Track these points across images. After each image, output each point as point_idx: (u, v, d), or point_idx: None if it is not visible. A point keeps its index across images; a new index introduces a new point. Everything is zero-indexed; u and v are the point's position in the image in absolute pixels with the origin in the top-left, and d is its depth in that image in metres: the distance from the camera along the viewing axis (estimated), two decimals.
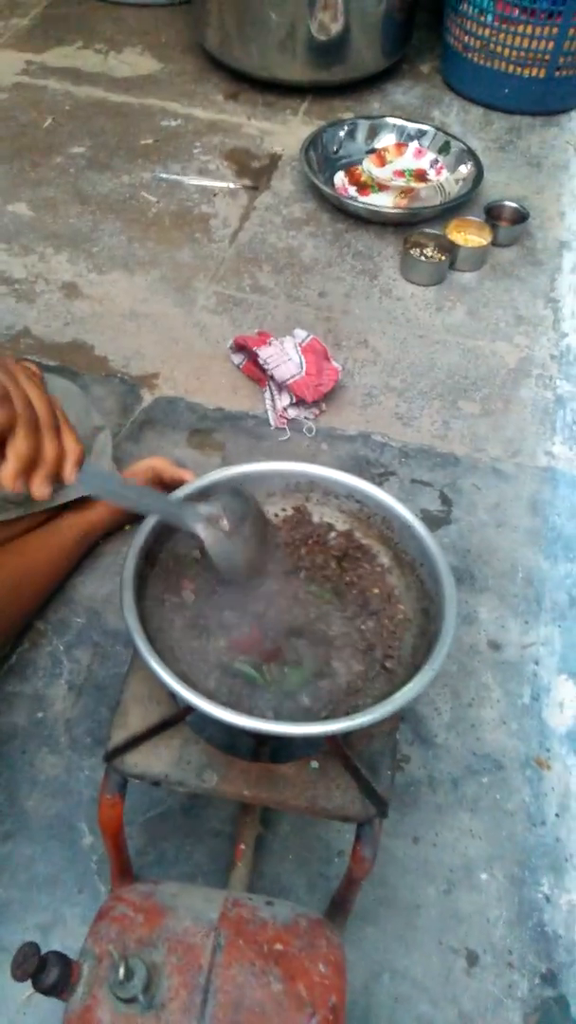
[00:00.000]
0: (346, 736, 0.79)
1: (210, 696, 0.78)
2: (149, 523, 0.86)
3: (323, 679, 0.81)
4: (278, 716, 0.78)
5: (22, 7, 2.68)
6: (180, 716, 0.81)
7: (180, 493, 0.89)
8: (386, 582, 0.89)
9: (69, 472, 0.68)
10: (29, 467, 0.65)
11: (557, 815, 1.10)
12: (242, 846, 0.97)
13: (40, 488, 0.66)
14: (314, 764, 0.82)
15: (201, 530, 0.80)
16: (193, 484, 0.91)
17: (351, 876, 0.85)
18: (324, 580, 0.90)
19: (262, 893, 0.99)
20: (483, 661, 1.25)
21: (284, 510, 0.96)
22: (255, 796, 0.81)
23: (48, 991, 0.70)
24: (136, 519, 1.31)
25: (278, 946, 0.74)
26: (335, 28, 2.21)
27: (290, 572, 0.90)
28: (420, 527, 0.88)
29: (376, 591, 0.89)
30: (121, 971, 0.68)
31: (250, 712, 0.79)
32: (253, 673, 0.80)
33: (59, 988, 0.70)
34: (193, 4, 2.38)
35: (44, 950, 0.70)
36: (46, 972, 0.69)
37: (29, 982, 0.68)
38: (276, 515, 0.95)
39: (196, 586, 0.89)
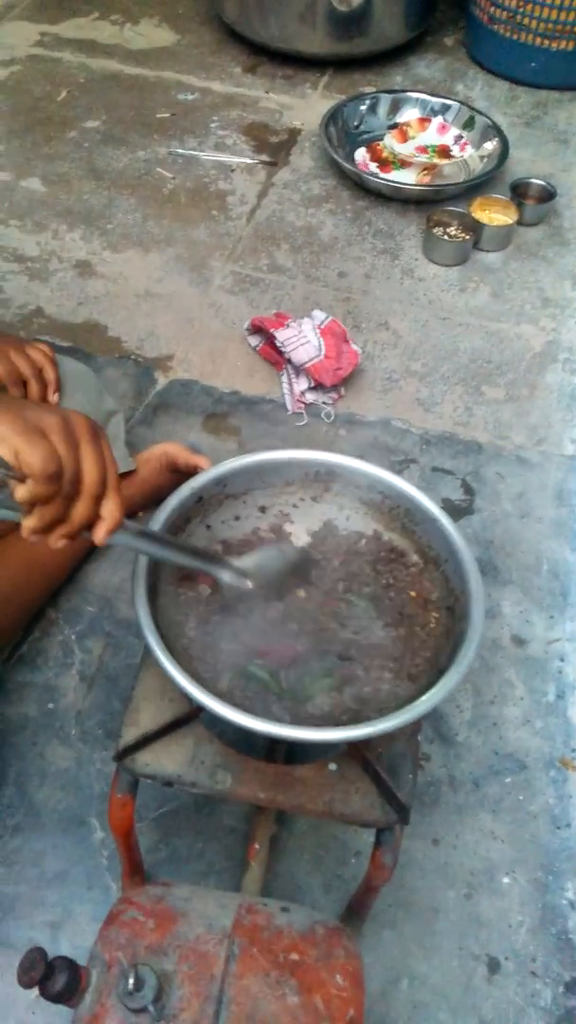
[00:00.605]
0: (366, 740, 0.76)
1: (224, 696, 0.75)
2: (162, 514, 0.82)
3: (344, 688, 0.77)
4: (295, 719, 0.74)
5: None
6: (193, 715, 0.78)
7: (197, 481, 0.86)
8: (423, 585, 0.85)
9: (100, 536, 0.66)
10: (51, 527, 0.64)
11: None
12: (256, 845, 0.94)
13: (55, 543, 0.65)
14: (332, 766, 0.79)
15: (225, 580, 0.79)
16: (208, 473, 0.88)
17: (370, 883, 0.82)
18: (361, 586, 0.86)
19: (276, 894, 0.96)
20: (506, 657, 1.21)
21: (303, 500, 0.92)
22: (271, 799, 0.78)
23: (55, 998, 0.67)
24: (150, 506, 1.28)
25: (294, 956, 0.72)
26: None
27: (322, 584, 0.86)
28: (446, 521, 0.84)
29: (413, 594, 0.85)
30: (131, 980, 0.65)
31: (266, 714, 0.76)
32: (266, 678, 0.77)
33: (66, 995, 0.67)
34: None
35: (53, 948, 0.68)
36: (53, 979, 0.67)
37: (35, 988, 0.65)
38: (295, 506, 0.91)
39: (213, 582, 0.86)
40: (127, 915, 0.73)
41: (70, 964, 0.68)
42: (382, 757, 0.78)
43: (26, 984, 0.66)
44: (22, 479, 0.60)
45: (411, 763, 0.79)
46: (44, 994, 0.67)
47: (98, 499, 0.65)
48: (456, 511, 1.37)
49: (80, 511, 0.64)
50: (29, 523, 0.62)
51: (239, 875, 0.94)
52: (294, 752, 0.88)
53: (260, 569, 0.82)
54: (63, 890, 0.99)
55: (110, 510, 0.65)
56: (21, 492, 0.60)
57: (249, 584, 0.80)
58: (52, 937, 0.95)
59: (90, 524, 0.65)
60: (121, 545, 0.71)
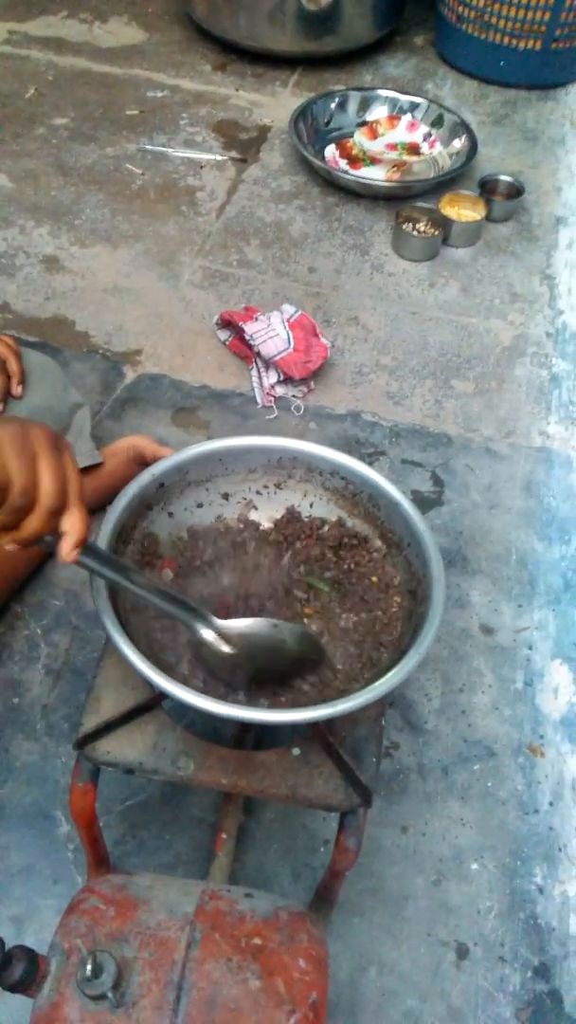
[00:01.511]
0: (329, 723, 0.76)
1: (186, 682, 0.74)
2: (122, 500, 0.82)
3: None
4: (257, 703, 0.74)
5: None
6: (154, 702, 0.77)
7: (158, 467, 0.85)
8: (384, 570, 0.85)
9: (65, 551, 0.64)
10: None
11: (551, 803, 1.07)
12: (223, 835, 0.94)
13: (3, 546, 0.64)
14: (296, 751, 0.78)
15: (203, 637, 0.74)
16: (170, 460, 0.87)
17: (335, 867, 0.81)
18: (322, 571, 0.86)
19: (245, 883, 0.96)
20: (475, 645, 1.21)
21: (266, 487, 0.91)
22: (234, 784, 0.77)
23: (13, 988, 0.66)
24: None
25: (256, 940, 0.71)
26: None
27: (284, 570, 0.86)
28: (407, 505, 0.84)
29: (375, 579, 0.84)
30: (89, 967, 0.64)
31: (228, 699, 0.75)
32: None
33: (25, 984, 0.66)
34: None
35: (18, 943, 0.66)
36: (11, 968, 0.66)
37: None
38: (258, 493, 0.91)
39: (178, 566, 0.85)
40: (87, 904, 0.72)
41: (28, 953, 0.67)
42: (345, 741, 0.78)
43: None
44: None
45: (374, 747, 0.79)
46: (1, 984, 0.66)
47: (55, 513, 0.63)
48: (426, 503, 1.37)
49: (32, 523, 0.62)
50: None
51: (207, 866, 0.93)
52: (262, 737, 0.88)
53: (245, 640, 0.75)
54: (28, 884, 0.98)
55: (72, 523, 0.64)
56: None
57: (226, 650, 0.74)
58: (17, 931, 0.94)
59: (47, 536, 0.64)
60: (92, 570, 0.68)
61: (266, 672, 0.77)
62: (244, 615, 0.81)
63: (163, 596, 0.71)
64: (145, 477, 0.84)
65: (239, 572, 0.86)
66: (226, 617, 0.76)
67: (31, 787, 1.04)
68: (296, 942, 0.71)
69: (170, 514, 0.87)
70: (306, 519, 0.89)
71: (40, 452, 0.62)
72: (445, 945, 0.96)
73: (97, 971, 0.64)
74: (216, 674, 0.76)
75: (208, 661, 0.75)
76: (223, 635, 0.74)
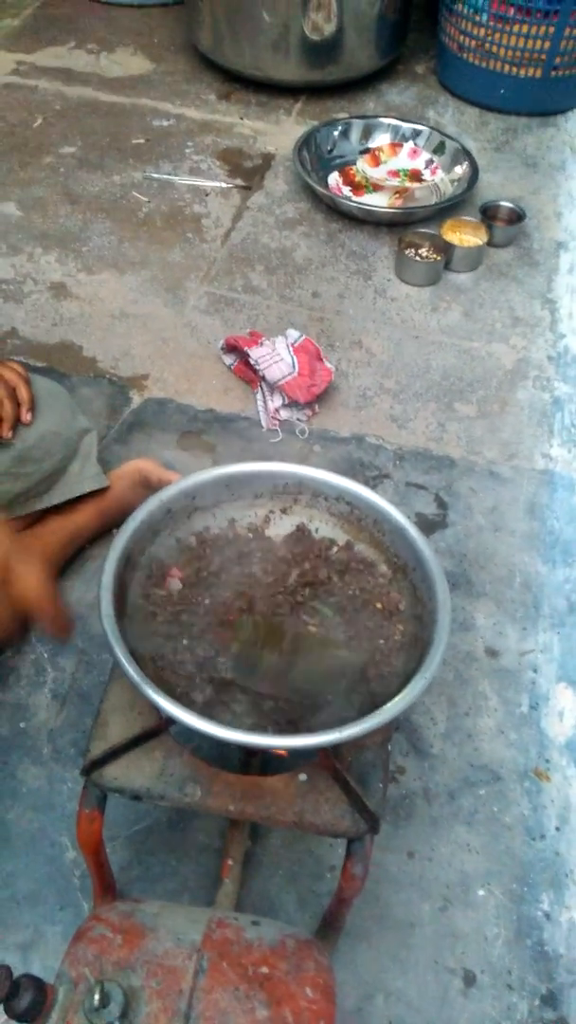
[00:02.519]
0: (336, 748, 0.76)
1: (194, 707, 0.75)
2: (130, 526, 0.83)
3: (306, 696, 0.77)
4: (263, 728, 0.74)
5: (13, 7, 2.65)
6: (162, 727, 0.78)
7: (166, 493, 0.86)
8: (390, 596, 0.85)
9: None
10: None
11: (557, 828, 1.07)
12: (230, 862, 0.94)
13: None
14: (303, 777, 0.78)
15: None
16: (178, 485, 0.88)
17: (341, 895, 0.81)
18: (327, 595, 0.86)
19: (250, 910, 0.95)
20: (480, 669, 1.21)
21: (272, 512, 0.92)
22: (241, 811, 0.77)
23: (20, 1017, 0.66)
24: (123, 523, 1.28)
25: (264, 969, 0.71)
26: (328, 28, 2.18)
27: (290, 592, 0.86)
28: (412, 530, 0.85)
29: (380, 605, 0.85)
30: (96, 997, 0.64)
31: (235, 724, 0.76)
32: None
33: (32, 1014, 0.66)
34: (186, 4, 2.36)
35: (24, 970, 0.66)
36: (19, 997, 0.66)
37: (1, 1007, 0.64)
38: (265, 519, 0.92)
39: (185, 575, 0.86)
40: (95, 932, 0.72)
41: (36, 982, 0.67)
42: (352, 766, 0.78)
43: None
44: None
45: (381, 772, 0.79)
46: (9, 1013, 0.65)
47: None
48: (430, 525, 1.38)
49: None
50: None
51: (213, 892, 0.93)
52: (268, 762, 0.88)
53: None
54: (34, 911, 0.98)
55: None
56: None
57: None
58: (23, 958, 0.94)
59: None
60: None
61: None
62: (248, 633, 0.82)
63: None
64: (153, 503, 0.85)
65: (246, 587, 0.86)
66: (229, 632, 0.77)
67: (37, 812, 1.04)
68: (303, 971, 0.71)
69: (177, 539, 0.88)
70: (316, 537, 0.90)
71: None
72: (452, 972, 0.96)
73: (104, 1001, 0.64)
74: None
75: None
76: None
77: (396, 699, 0.70)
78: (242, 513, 0.92)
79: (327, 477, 0.90)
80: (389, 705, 0.70)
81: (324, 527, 0.91)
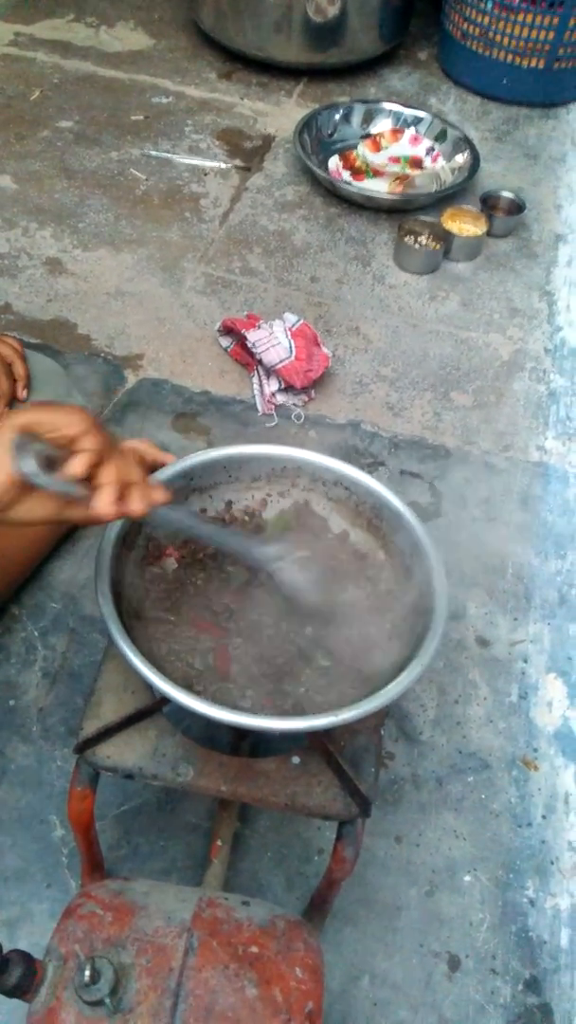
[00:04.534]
0: (329, 732, 0.76)
1: (189, 686, 0.74)
2: None
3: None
4: (258, 710, 0.74)
5: None
6: (155, 707, 0.78)
7: (163, 474, 0.86)
8: (388, 580, 0.85)
9: (160, 495, 0.67)
10: (124, 491, 0.64)
11: (543, 816, 1.08)
12: (218, 842, 0.94)
13: (138, 505, 0.65)
14: (295, 759, 0.79)
15: (276, 566, 0.79)
16: (175, 466, 0.87)
17: (331, 876, 0.82)
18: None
19: (238, 891, 0.95)
20: (470, 657, 1.22)
21: (270, 496, 0.92)
22: (233, 792, 0.77)
23: (10, 992, 0.66)
24: None
25: (253, 948, 0.71)
26: (332, 10, 2.16)
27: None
28: (411, 516, 0.85)
29: (378, 589, 0.85)
30: (87, 973, 0.64)
31: (232, 704, 0.75)
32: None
33: (22, 989, 0.66)
34: None
35: (10, 946, 0.66)
36: (8, 972, 0.65)
37: None
38: (262, 501, 0.91)
39: (181, 556, 0.85)
40: (85, 909, 0.72)
41: (25, 957, 0.67)
42: (345, 750, 0.78)
43: None
44: (67, 453, 0.61)
45: (374, 757, 0.79)
46: None
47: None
48: (423, 514, 1.38)
49: (134, 468, 0.64)
50: (105, 497, 0.62)
51: (201, 873, 0.93)
52: (258, 744, 0.88)
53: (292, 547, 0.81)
54: (21, 888, 0.97)
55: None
56: (81, 462, 0.60)
57: (294, 561, 0.79)
58: (9, 935, 0.94)
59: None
60: (166, 525, 0.74)
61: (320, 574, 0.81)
62: (246, 616, 0.82)
63: (229, 538, 0.80)
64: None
65: (240, 572, 0.86)
66: (220, 622, 0.77)
67: (26, 790, 1.04)
68: (293, 951, 0.71)
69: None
70: (310, 527, 0.89)
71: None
72: (437, 956, 0.96)
73: (95, 977, 0.64)
74: (297, 587, 0.79)
75: (289, 585, 0.79)
76: (284, 552, 0.79)
77: (392, 684, 0.70)
78: (239, 495, 0.91)
79: (326, 461, 0.90)
80: (385, 690, 0.70)
81: (321, 511, 0.91)
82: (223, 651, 0.80)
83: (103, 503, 0.62)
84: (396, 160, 2.02)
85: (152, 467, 1.24)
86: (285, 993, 0.69)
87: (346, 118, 2.12)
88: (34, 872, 0.99)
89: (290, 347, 1.48)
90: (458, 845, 1.04)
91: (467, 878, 1.02)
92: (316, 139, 2.05)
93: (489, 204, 1.93)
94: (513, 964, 0.96)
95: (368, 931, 0.97)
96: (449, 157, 2.04)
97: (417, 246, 1.80)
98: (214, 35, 2.32)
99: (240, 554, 0.81)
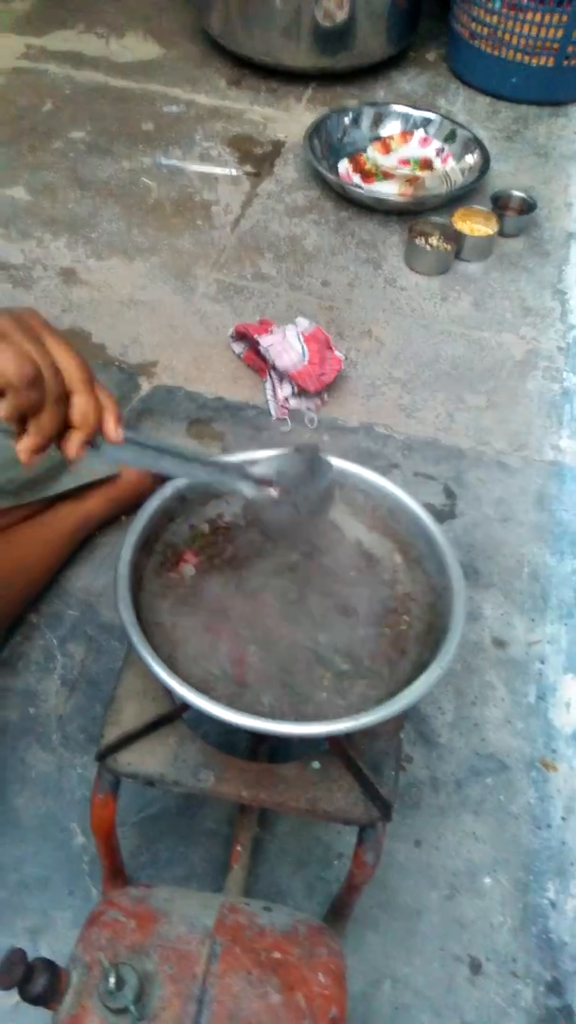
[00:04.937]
0: (349, 736, 0.76)
1: (208, 692, 0.75)
2: (146, 512, 0.83)
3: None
4: (278, 715, 0.75)
5: None
6: (176, 713, 0.78)
7: (178, 481, 0.86)
8: (405, 583, 0.85)
9: (112, 428, 0.60)
10: (47, 444, 0.58)
11: (563, 818, 1.07)
12: (239, 848, 0.94)
13: (75, 449, 0.60)
14: (315, 764, 0.79)
15: (247, 492, 0.75)
16: None
17: (352, 881, 0.82)
18: (343, 585, 0.86)
19: (259, 897, 0.96)
20: (487, 659, 1.21)
21: None
22: (253, 797, 0.78)
23: (35, 1000, 0.66)
24: (133, 509, 1.28)
25: (276, 954, 0.71)
26: (340, 15, 2.17)
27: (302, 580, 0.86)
28: (427, 518, 0.85)
29: (395, 592, 0.85)
30: (112, 980, 0.64)
31: (250, 710, 0.76)
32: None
33: (47, 997, 0.67)
34: None
35: (33, 955, 0.67)
36: (33, 980, 0.66)
37: (15, 990, 0.65)
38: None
39: (199, 561, 0.86)
40: (108, 916, 0.72)
41: (50, 965, 0.67)
42: (364, 754, 0.78)
43: (5, 985, 0.65)
44: None
45: (394, 760, 0.79)
46: (24, 996, 0.66)
47: (91, 389, 0.58)
48: (438, 515, 1.38)
49: (82, 405, 0.57)
50: (28, 442, 0.56)
51: (221, 879, 0.94)
52: (277, 749, 0.88)
53: (281, 476, 0.75)
54: (43, 896, 0.98)
55: (106, 401, 0.60)
56: (3, 408, 0.54)
57: (274, 492, 0.73)
58: (32, 943, 0.94)
59: (99, 421, 0.59)
60: (127, 459, 0.65)
61: (307, 491, 0.77)
62: (263, 623, 0.82)
63: (204, 464, 0.72)
64: (168, 490, 0.85)
65: (258, 576, 0.86)
66: (237, 628, 0.77)
67: (47, 798, 1.05)
68: (315, 956, 0.72)
69: (191, 526, 0.88)
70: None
71: (43, 332, 0.57)
72: (458, 960, 0.96)
73: (120, 984, 0.64)
74: (269, 526, 0.77)
75: (261, 515, 0.77)
76: (265, 481, 0.74)
77: (411, 687, 0.70)
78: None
79: (342, 465, 0.90)
80: (404, 693, 0.70)
81: (336, 515, 0.91)
82: (241, 657, 0.81)
83: (21, 447, 0.57)
84: (406, 162, 2.02)
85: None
86: (308, 999, 0.69)
87: (355, 122, 2.12)
88: (56, 880, 0.99)
89: (303, 351, 1.49)
90: (478, 848, 1.04)
91: (487, 881, 1.02)
92: (326, 143, 2.06)
93: (500, 204, 1.92)
94: (534, 967, 0.96)
95: (389, 935, 0.97)
96: (459, 158, 2.04)
97: (428, 247, 1.80)
98: (223, 42, 2.33)
99: (215, 484, 0.76)
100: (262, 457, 0.79)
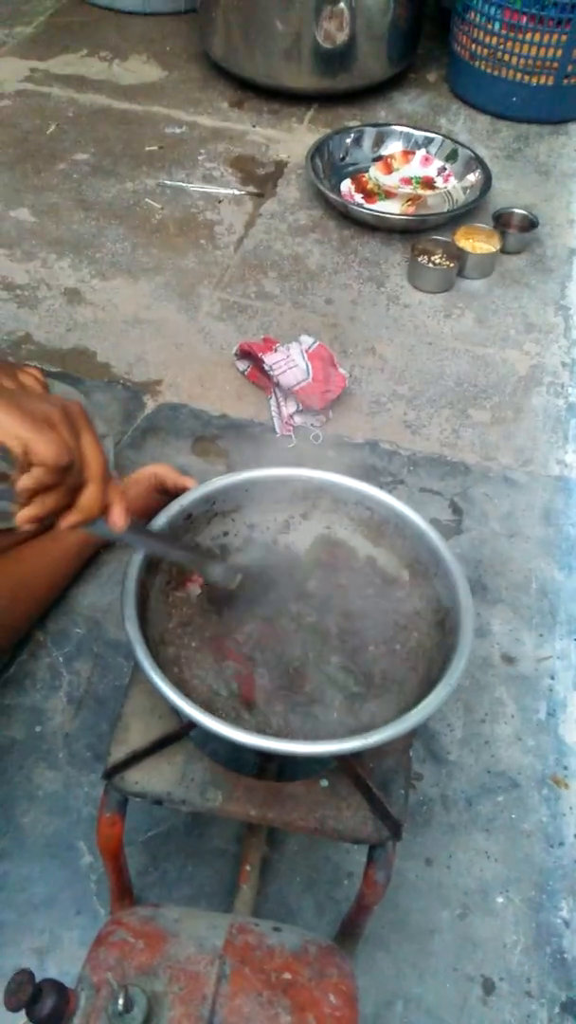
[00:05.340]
0: (358, 754, 0.76)
1: (214, 711, 0.75)
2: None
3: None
4: (285, 733, 0.74)
5: (26, 15, 2.67)
6: (183, 732, 0.78)
7: (186, 498, 0.86)
8: (412, 600, 0.85)
9: (119, 519, 0.67)
10: (49, 516, 0.64)
11: None
12: (247, 867, 0.93)
13: (67, 526, 0.66)
14: (324, 782, 0.78)
15: (213, 576, 0.82)
16: (197, 491, 0.88)
17: (363, 901, 0.81)
18: (351, 601, 0.86)
19: (268, 916, 0.95)
20: (497, 675, 1.21)
21: (292, 517, 0.92)
22: (261, 816, 0.77)
23: (43, 1022, 0.66)
24: None
25: (286, 975, 0.70)
26: (341, 37, 2.19)
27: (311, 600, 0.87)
28: (434, 535, 0.85)
29: (403, 609, 0.85)
30: (120, 1001, 0.64)
31: (257, 729, 0.75)
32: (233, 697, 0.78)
33: (54, 1019, 0.66)
34: (198, 13, 2.37)
35: (40, 975, 0.66)
36: (41, 1002, 0.65)
37: (22, 1012, 0.64)
38: (285, 523, 0.92)
39: (204, 584, 0.86)
40: (116, 936, 0.72)
41: (58, 987, 0.67)
42: (374, 773, 0.77)
43: (13, 1007, 0.64)
44: (24, 469, 0.60)
45: (403, 779, 0.78)
46: (31, 1017, 0.65)
47: (105, 485, 0.65)
48: (445, 531, 1.37)
49: (91, 497, 0.64)
50: (29, 512, 0.62)
51: (230, 898, 0.93)
52: (284, 767, 0.87)
53: (246, 575, 0.83)
54: (50, 916, 0.97)
55: (115, 496, 0.67)
56: (26, 481, 0.60)
57: (234, 584, 0.82)
58: (39, 963, 0.94)
59: (103, 512, 0.66)
60: (126, 540, 0.74)
61: (283, 593, 0.86)
62: (269, 645, 0.82)
63: (182, 549, 0.82)
64: (174, 508, 0.85)
65: (266, 601, 0.86)
66: (242, 649, 0.78)
67: (53, 817, 1.04)
68: (326, 977, 0.71)
69: (197, 544, 0.88)
70: (334, 548, 0.90)
71: (82, 427, 0.64)
72: (471, 980, 0.95)
73: (128, 1006, 0.64)
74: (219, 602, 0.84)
75: (218, 598, 0.84)
76: (230, 573, 0.83)
77: (420, 705, 0.70)
78: (262, 518, 0.92)
79: (348, 482, 0.90)
80: (414, 711, 0.70)
81: (344, 532, 0.91)
82: (248, 677, 0.80)
83: (21, 515, 0.63)
84: (408, 181, 2.03)
85: (174, 491, 1.26)
86: (319, 1020, 0.68)
87: (357, 142, 2.14)
88: (63, 899, 0.99)
89: (307, 369, 1.49)
90: (490, 866, 1.03)
91: (500, 899, 1.01)
92: (328, 163, 2.08)
93: (502, 221, 1.94)
94: (549, 986, 0.95)
95: (400, 955, 0.96)
96: (461, 176, 2.05)
97: (431, 265, 1.81)
98: (225, 65, 2.36)
99: (196, 568, 0.83)
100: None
